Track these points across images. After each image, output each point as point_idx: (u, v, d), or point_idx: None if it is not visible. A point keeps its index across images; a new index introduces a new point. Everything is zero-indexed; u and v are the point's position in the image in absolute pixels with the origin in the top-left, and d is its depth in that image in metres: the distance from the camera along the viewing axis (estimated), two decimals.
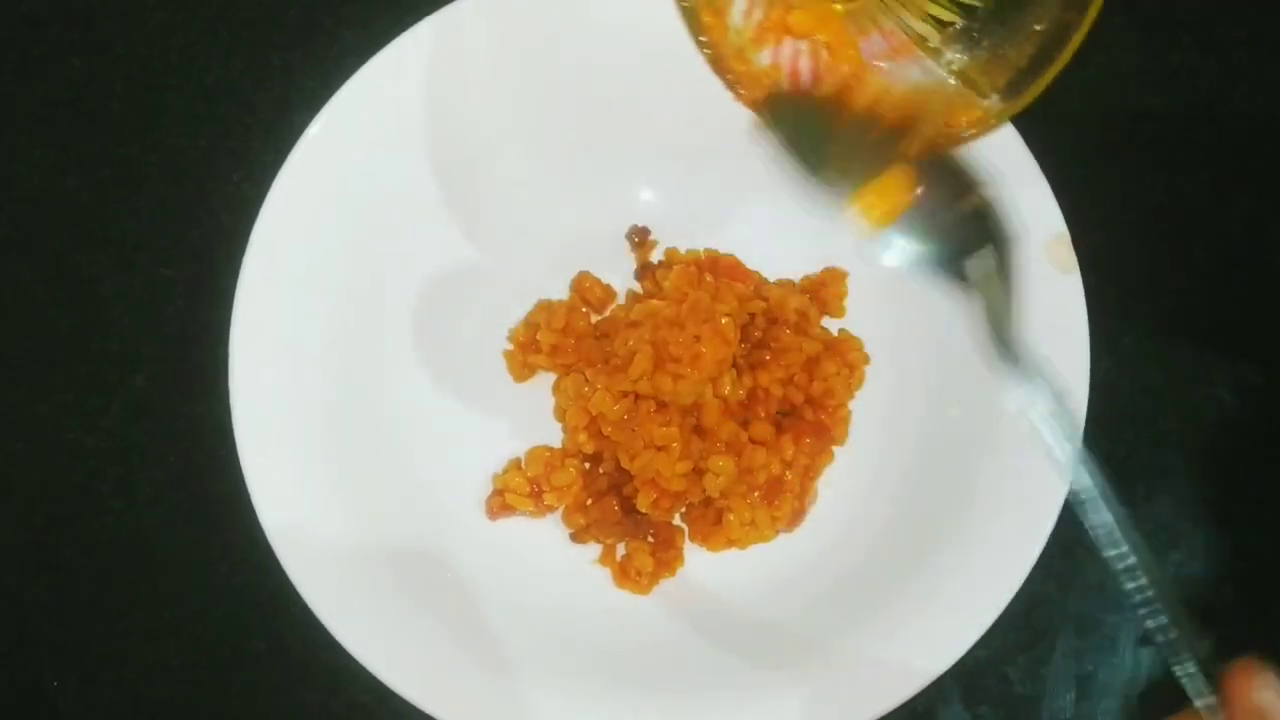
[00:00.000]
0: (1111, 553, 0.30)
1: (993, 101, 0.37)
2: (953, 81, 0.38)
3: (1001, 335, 0.35)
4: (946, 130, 0.37)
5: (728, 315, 0.44)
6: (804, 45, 0.38)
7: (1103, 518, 0.31)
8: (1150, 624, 0.29)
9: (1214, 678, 0.27)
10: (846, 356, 0.47)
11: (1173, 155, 0.52)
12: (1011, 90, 0.38)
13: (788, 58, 0.38)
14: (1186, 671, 0.27)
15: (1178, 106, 0.52)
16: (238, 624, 0.49)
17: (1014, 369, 0.35)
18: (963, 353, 0.46)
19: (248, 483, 0.43)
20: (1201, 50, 0.52)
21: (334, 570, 0.44)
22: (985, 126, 0.37)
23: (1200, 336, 0.51)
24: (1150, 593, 0.29)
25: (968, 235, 0.37)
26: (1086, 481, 0.32)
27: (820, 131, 0.38)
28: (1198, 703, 0.27)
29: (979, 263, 0.36)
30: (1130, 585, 0.30)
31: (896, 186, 0.37)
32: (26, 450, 0.51)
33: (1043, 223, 0.44)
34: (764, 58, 0.38)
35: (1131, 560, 0.30)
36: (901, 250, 0.37)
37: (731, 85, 0.37)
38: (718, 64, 0.37)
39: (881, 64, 0.39)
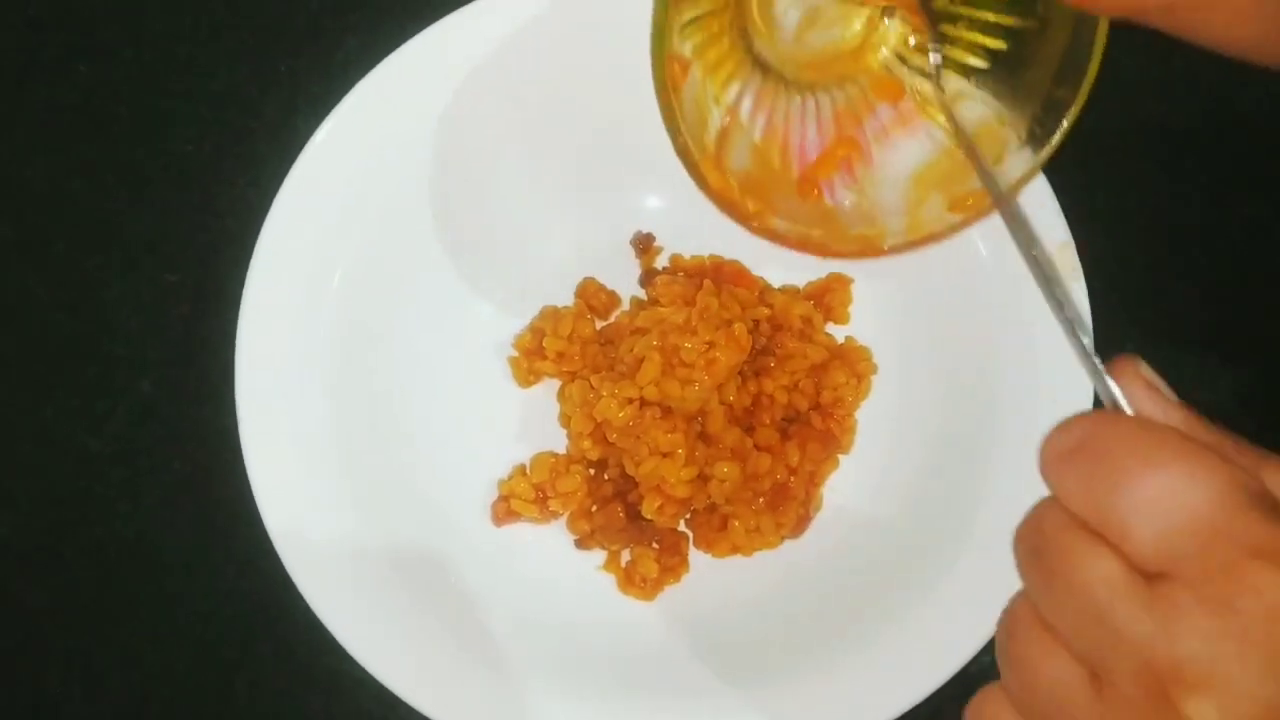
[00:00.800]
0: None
1: (999, 170, 0.37)
2: (959, 153, 0.38)
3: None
4: (954, 206, 0.38)
5: (739, 321, 0.44)
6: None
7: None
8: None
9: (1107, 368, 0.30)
10: (855, 366, 0.47)
11: (1175, 161, 0.52)
12: (1015, 158, 0.38)
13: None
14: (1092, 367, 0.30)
15: (1180, 112, 0.52)
16: (242, 628, 0.49)
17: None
18: (967, 359, 0.46)
19: (253, 487, 0.44)
20: (1203, 56, 0.52)
21: (339, 575, 0.44)
22: (987, 206, 0.37)
23: (1204, 343, 0.51)
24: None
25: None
26: None
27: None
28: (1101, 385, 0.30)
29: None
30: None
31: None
32: (32, 454, 0.51)
33: (1047, 230, 0.45)
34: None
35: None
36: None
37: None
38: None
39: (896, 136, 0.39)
